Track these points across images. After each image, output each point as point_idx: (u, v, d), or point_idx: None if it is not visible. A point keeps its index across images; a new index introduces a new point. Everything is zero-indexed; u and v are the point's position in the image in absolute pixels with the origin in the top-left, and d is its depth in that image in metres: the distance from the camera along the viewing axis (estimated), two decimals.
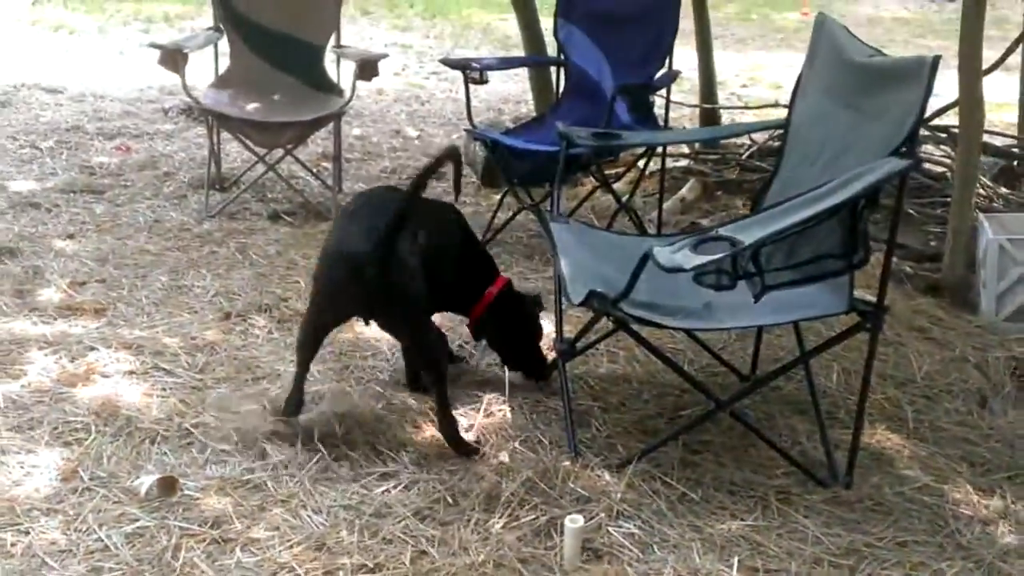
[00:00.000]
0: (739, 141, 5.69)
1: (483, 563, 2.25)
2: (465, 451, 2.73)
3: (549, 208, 3.41)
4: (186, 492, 2.48)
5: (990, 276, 3.68)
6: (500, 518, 2.43)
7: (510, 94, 7.85)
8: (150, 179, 5.16)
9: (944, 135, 5.07)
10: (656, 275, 2.65)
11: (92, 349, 3.18)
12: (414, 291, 2.68)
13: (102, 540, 2.29)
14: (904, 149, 2.48)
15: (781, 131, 3.30)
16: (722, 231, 2.45)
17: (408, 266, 2.66)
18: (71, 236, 4.28)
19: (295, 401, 2.80)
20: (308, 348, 2.81)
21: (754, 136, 5.46)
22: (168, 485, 2.48)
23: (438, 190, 5.10)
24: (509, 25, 11.06)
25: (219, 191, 4.92)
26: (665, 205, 4.71)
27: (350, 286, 2.64)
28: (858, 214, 2.44)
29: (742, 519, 2.49)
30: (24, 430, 2.73)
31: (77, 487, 2.48)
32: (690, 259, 2.33)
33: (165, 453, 2.65)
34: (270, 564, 2.24)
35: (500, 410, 2.95)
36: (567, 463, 2.65)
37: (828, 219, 2.41)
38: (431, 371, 2.82)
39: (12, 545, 2.25)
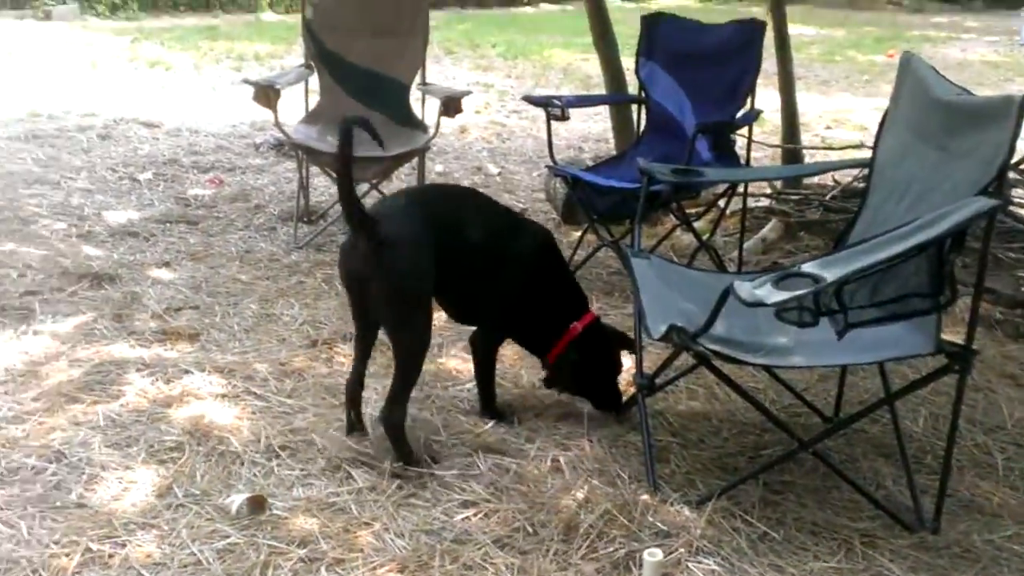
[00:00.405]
0: (822, 181, 5.66)
1: None
2: (404, 454, 2.78)
3: (630, 244, 3.44)
4: (274, 512, 2.55)
5: None
6: (579, 549, 2.44)
7: (590, 133, 7.92)
8: (242, 211, 5.34)
9: None
10: (737, 312, 2.65)
11: (186, 372, 3.30)
12: (403, 274, 2.70)
13: (195, 555, 2.37)
14: (992, 189, 2.45)
15: (865, 171, 3.28)
16: (804, 267, 2.45)
17: (404, 247, 2.70)
18: (167, 264, 4.45)
19: (351, 389, 2.97)
20: (356, 343, 2.97)
21: (838, 177, 5.42)
22: (257, 504, 2.55)
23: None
24: (589, 65, 11.19)
25: (307, 223, 5.07)
26: (746, 245, 4.70)
27: (350, 258, 2.78)
28: (944, 253, 2.41)
29: (825, 561, 2.46)
30: (122, 447, 2.84)
31: (171, 503, 2.57)
32: (772, 294, 2.32)
33: (254, 474, 2.73)
34: None
35: (578, 444, 2.97)
36: (646, 497, 2.65)
37: (914, 257, 2.38)
38: (397, 368, 2.78)
39: (110, 557, 2.35)
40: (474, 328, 3.17)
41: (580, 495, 2.65)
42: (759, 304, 2.33)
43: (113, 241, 4.73)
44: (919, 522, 2.62)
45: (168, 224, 5.03)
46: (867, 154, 3.23)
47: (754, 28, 4.46)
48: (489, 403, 3.14)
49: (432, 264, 2.75)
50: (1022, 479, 2.89)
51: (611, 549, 2.43)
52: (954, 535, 2.59)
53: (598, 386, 3.15)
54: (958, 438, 2.69)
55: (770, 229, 4.95)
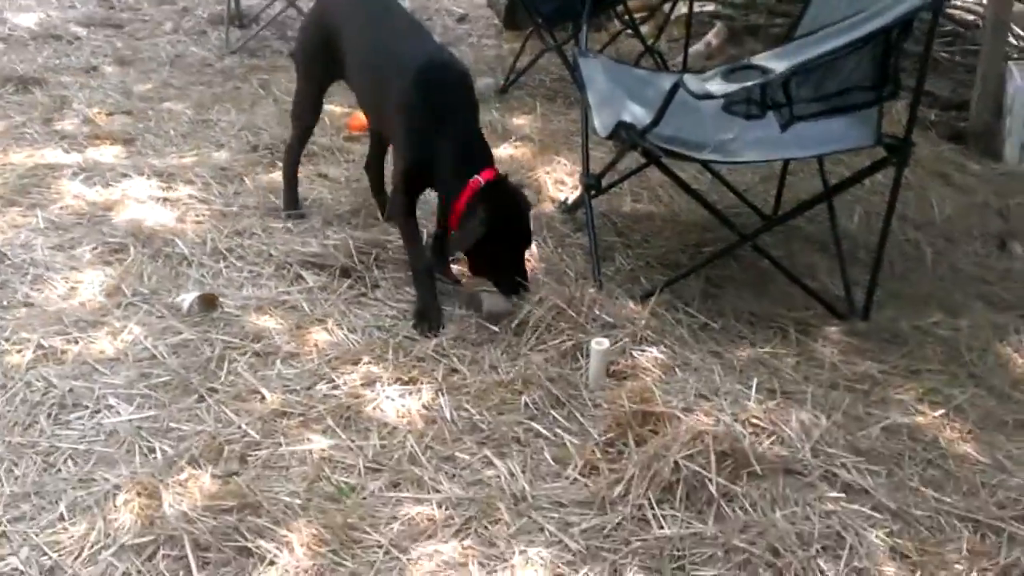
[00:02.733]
0: None
1: (512, 381, 2.35)
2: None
3: (576, 44, 3.38)
4: (226, 310, 2.57)
5: (1016, 123, 3.68)
6: (528, 341, 2.51)
7: None
8: (168, 14, 5.11)
9: None
10: (683, 111, 2.65)
11: (124, 176, 3.23)
12: (297, 36, 3.24)
13: (148, 350, 2.39)
14: None
15: None
16: (753, 60, 2.45)
17: (306, 18, 3.22)
18: (94, 68, 4.28)
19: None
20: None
21: None
22: (208, 302, 2.56)
23: None
24: None
25: (239, 28, 4.87)
26: (690, 50, 4.64)
27: None
28: (892, 44, 2.41)
29: (761, 347, 2.57)
30: (65, 249, 2.81)
31: (121, 302, 2.57)
32: (721, 86, 2.33)
33: (203, 275, 2.73)
34: (310, 376, 2.34)
35: None
36: (592, 292, 2.70)
37: (861, 48, 2.39)
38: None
39: (62, 352, 2.36)
40: None
41: (530, 293, 2.70)
42: (708, 96, 2.34)
43: (35, 44, 4.52)
44: (850, 310, 2.75)
45: (92, 27, 4.81)
46: None
47: None
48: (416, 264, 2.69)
49: (318, 41, 2.94)
50: (950, 271, 3.03)
51: (559, 341, 2.50)
52: (883, 322, 2.72)
53: (501, 257, 2.64)
54: (890, 235, 2.77)
55: (714, 34, 4.89)
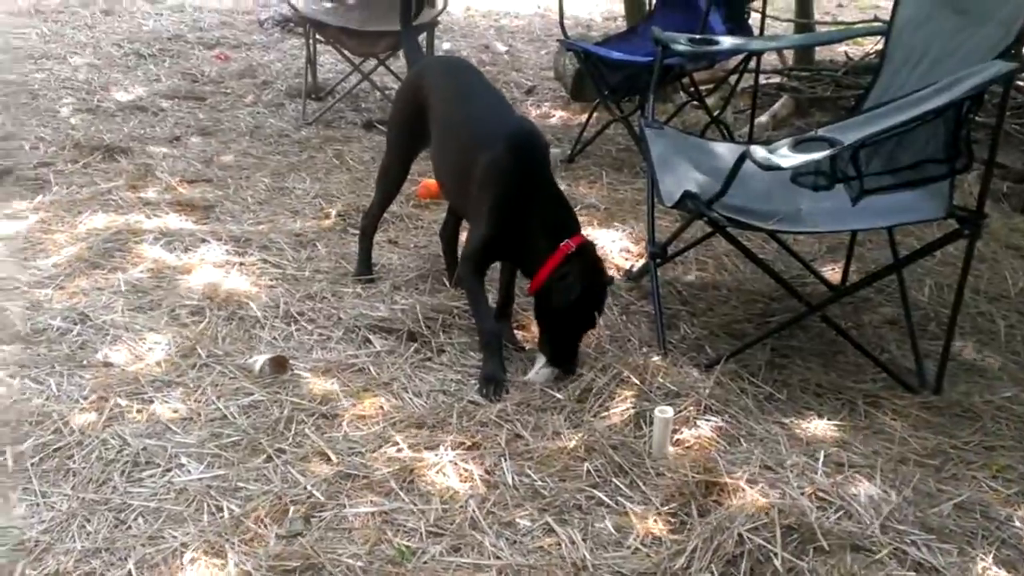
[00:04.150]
0: (833, 58, 5.57)
1: (575, 448, 2.35)
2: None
3: (642, 115, 3.42)
4: (295, 372, 2.62)
5: None
6: (591, 409, 2.51)
7: (598, 13, 7.78)
8: (249, 87, 5.31)
9: None
10: (750, 181, 2.66)
11: (203, 242, 3.34)
12: (392, 110, 3.21)
13: (220, 410, 2.45)
14: (1012, 53, 2.43)
15: (879, 47, 3.23)
16: (822, 132, 2.45)
17: (396, 94, 3.23)
18: (177, 138, 4.45)
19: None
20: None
21: (850, 53, 5.34)
22: (279, 364, 2.62)
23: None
24: None
25: (315, 100, 5.04)
26: (756, 121, 4.66)
27: None
28: (963, 117, 2.41)
29: (828, 419, 2.53)
30: (144, 311, 2.90)
31: (195, 363, 2.64)
32: (788, 158, 2.33)
33: (274, 338, 2.79)
34: (375, 438, 2.37)
35: None
36: (657, 360, 2.71)
37: (932, 120, 2.38)
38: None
39: (138, 412, 2.43)
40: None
41: (593, 359, 2.71)
42: (775, 168, 2.34)
43: (123, 115, 4.73)
44: (921, 384, 2.69)
45: (176, 100, 5.02)
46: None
47: None
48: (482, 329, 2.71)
49: (408, 111, 2.99)
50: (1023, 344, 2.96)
51: (622, 408, 2.50)
52: (955, 396, 2.66)
53: (565, 326, 2.65)
54: (962, 307, 2.73)
55: (781, 105, 4.91)
